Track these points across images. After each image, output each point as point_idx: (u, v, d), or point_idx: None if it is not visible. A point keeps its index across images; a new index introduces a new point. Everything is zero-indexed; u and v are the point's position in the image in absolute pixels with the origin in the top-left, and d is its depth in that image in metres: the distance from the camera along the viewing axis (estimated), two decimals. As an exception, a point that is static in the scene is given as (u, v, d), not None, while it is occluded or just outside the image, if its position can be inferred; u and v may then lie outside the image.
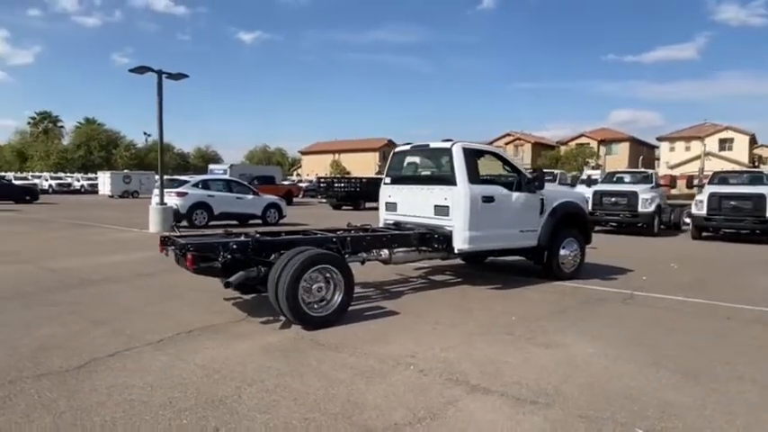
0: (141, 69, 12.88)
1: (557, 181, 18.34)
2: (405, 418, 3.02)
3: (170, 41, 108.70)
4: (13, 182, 35.34)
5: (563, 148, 60.60)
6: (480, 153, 6.84)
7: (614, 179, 17.03)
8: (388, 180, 7.51)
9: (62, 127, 69.39)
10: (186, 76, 13.69)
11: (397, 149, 7.46)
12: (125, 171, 46.72)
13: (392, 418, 3.03)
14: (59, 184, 45.10)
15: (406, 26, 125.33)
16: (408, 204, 7.04)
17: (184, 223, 13.98)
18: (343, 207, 26.17)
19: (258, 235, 5.29)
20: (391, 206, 7.35)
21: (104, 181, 40.76)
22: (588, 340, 4.56)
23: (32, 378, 3.53)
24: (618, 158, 55.03)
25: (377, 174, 62.51)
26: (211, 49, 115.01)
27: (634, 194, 14.23)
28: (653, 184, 15.23)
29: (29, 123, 68.43)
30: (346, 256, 5.67)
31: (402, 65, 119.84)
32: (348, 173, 60.41)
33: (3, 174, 48.34)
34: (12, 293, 6.03)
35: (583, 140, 60.74)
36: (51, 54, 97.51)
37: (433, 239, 6.41)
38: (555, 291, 6.61)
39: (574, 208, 7.43)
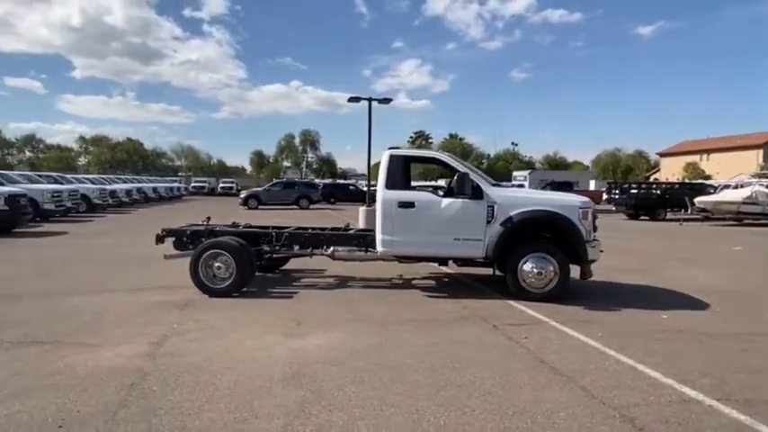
0: (355, 99, 16.20)
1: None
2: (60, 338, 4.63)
3: (562, 50, 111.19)
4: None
5: None
6: (416, 160, 6.73)
7: None
8: (385, 186, 8.07)
9: (431, 142, 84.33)
10: (391, 100, 16.35)
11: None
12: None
13: (71, 338, 4.67)
14: (413, 190, 56.61)
15: None
16: (382, 209, 7.53)
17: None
18: (641, 217, 23.20)
19: (210, 227, 7.34)
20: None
21: (435, 188, 48.48)
22: (335, 343, 4.66)
23: None
24: None
25: (754, 175, 49.83)
26: (602, 50, 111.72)
27: None
28: None
29: (408, 141, 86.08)
30: (290, 249, 7.09)
31: None
32: (708, 177, 51.00)
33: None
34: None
35: None
36: (462, 79, 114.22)
37: (373, 241, 6.87)
38: (474, 306, 5.99)
39: (547, 218, 6.19)
